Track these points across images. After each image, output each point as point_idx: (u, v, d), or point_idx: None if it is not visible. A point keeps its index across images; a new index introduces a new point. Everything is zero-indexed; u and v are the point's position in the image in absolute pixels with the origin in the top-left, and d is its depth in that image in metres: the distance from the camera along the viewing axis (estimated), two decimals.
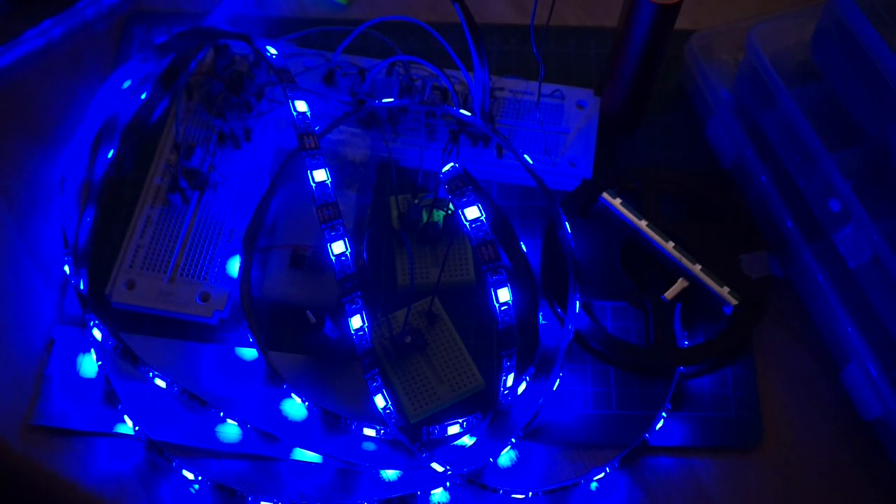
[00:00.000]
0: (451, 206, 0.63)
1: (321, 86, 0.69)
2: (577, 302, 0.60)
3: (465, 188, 0.55)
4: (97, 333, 0.59)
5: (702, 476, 0.58)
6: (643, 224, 0.63)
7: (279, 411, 0.59)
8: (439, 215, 0.64)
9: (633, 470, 0.58)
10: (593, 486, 0.58)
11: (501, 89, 0.69)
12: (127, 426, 0.58)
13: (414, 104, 0.67)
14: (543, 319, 0.62)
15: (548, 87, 0.69)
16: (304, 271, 0.62)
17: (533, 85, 0.69)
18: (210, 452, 0.58)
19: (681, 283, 0.61)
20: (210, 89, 0.68)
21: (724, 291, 0.61)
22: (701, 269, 0.61)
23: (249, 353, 0.61)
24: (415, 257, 0.63)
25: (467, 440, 0.58)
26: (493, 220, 0.64)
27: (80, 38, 0.74)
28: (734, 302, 0.60)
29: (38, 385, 0.59)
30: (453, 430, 0.58)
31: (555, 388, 0.60)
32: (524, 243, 0.64)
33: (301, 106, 0.57)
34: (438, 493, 0.57)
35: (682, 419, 0.60)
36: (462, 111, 0.62)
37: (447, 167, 0.57)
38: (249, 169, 0.66)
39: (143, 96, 0.69)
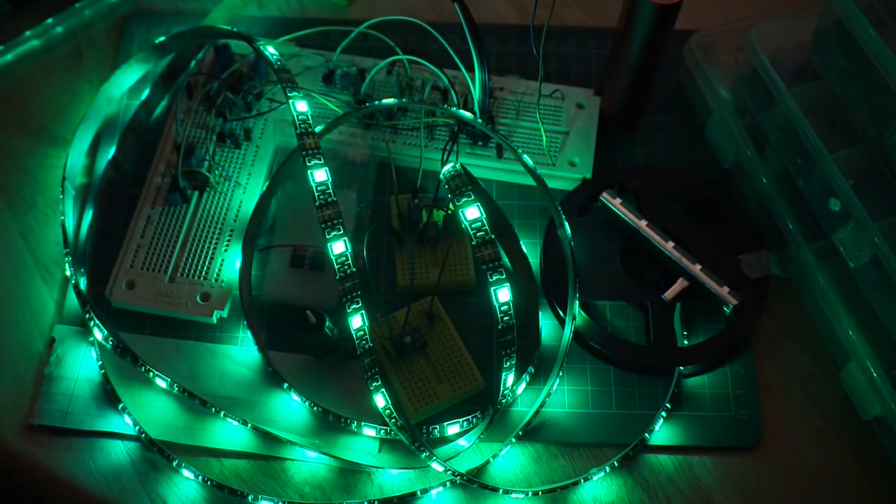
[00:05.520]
0: (451, 206, 0.63)
1: (321, 86, 0.69)
2: (577, 302, 0.60)
3: (465, 188, 0.55)
4: (97, 333, 0.59)
5: (701, 475, 0.58)
6: (643, 224, 0.63)
7: (279, 411, 0.59)
8: (439, 215, 0.64)
9: (633, 469, 0.58)
10: (593, 485, 0.58)
11: (501, 89, 0.69)
12: (127, 426, 0.58)
13: (414, 104, 0.67)
14: (543, 319, 0.62)
15: (548, 87, 0.69)
16: (304, 271, 0.62)
17: (533, 85, 0.69)
18: (210, 452, 0.58)
19: (681, 283, 0.61)
20: (210, 89, 0.68)
21: (724, 291, 0.61)
22: (701, 269, 0.61)
23: (249, 353, 0.61)
24: (415, 257, 0.63)
25: (467, 440, 0.58)
26: (493, 220, 0.64)
27: (80, 38, 0.74)
28: (734, 302, 0.60)
29: (38, 385, 0.59)
30: (453, 430, 0.58)
31: (555, 388, 0.60)
32: (524, 243, 0.64)
33: (301, 106, 0.57)
34: (438, 493, 0.57)
35: (681, 419, 0.60)
36: (462, 111, 0.62)
37: (447, 167, 0.57)
38: (249, 169, 0.66)
39: (143, 96, 0.69)
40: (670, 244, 0.62)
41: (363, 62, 0.70)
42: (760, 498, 0.58)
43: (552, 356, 0.61)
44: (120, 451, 0.58)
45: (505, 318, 0.55)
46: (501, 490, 0.56)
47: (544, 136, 0.67)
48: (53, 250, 0.65)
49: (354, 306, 0.54)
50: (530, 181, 0.66)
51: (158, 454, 0.57)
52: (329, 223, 0.54)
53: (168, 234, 0.63)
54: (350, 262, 0.54)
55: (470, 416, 0.58)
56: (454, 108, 0.63)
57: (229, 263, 0.63)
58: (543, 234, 0.64)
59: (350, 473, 0.58)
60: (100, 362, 0.60)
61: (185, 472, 0.57)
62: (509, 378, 0.57)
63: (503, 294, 0.55)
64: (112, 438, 0.58)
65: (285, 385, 0.59)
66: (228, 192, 0.65)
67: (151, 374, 0.58)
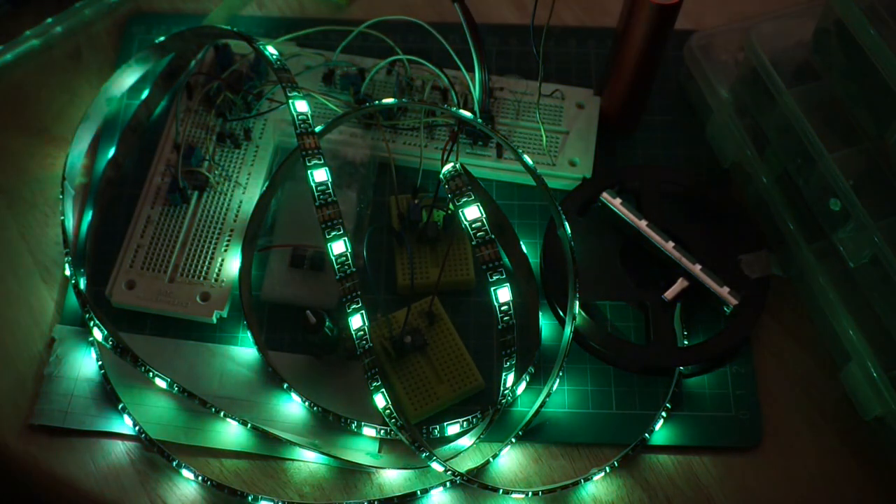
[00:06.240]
0: (451, 206, 0.63)
1: (321, 86, 0.69)
2: (577, 302, 0.60)
3: (465, 188, 0.55)
4: (97, 333, 0.59)
5: (701, 475, 0.58)
6: (643, 224, 0.63)
7: (279, 411, 0.59)
8: (439, 215, 0.64)
9: (633, 469, 0.58)
10: (593, 485, 0.58)
11: (501, 89, 0.69)
12: (127, 426, 0.58)
13: (414, 104, 0.67)
14: (543, 319, 0.62)
15: (548, 87, 0.69)
16: (304, 271, 0.62)
17: (533, 85, 0.69)
18: (210, 452, 0.58)
19: (681, 283, 0.61)
20: (210, 89, 0.68)
21: (724, 291, 0.61)
22: (701, 269, 0.61)
23: (249, 353, 0.61)
24: (415, 257, 0.63)
25: (467, 440, 0.58)
26: (493, 220, 0.64)
27: (80, 37, 0.74)
28: (734, 302, 0.60)
29: (38, 385, 0.59)
30: (453, 430, 0.58)
31: (555, 388, 0.60)
32: (524, 243, 0.64)
33: (301, 106, 0.57)
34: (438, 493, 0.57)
35: (681, 419, 0.60)
36: (462, 111, 0.62)
37: (447, 167, 0.57)
38: (249, 169, 0.66)
39: (143, 96, 0.69)
40: (670, 244, 0.62)
41: (363, 62, 0.70)
42: (760, 498, 0.58)
43: (552, 356, 0.61)
44: (120, 451, 0.58)
45: (505, 318, 0.55)
46: (501, 490, 0.56)
47: (544, 136, 0.67)
48: (53, 250, 0.65)
49: (354, 306, 0.54)
50: (530, 181, 0.66)
51: (158, 454, 0.57)
52: (329, 223, 0.54)
53: (168, 234, 0.63)
54: (350, 262, 0.54)
55: (470, 416, 0.58)
56: (454, 108, 0.63)
57: (229, 263, 0.63)
58: (543, 234, 0.64)
59: (350, 473, 0.58)
60: (100, 362, 0.60)
61: (185, 473, 0.57)
62: (509, 378, 0.57)
63: (503, 294, 0.55)
64: (112, 438, 0.58)
65: (285, 385, 0.59)
66: (228, 192, 0.65)
67: (151, 374, 0.58)
